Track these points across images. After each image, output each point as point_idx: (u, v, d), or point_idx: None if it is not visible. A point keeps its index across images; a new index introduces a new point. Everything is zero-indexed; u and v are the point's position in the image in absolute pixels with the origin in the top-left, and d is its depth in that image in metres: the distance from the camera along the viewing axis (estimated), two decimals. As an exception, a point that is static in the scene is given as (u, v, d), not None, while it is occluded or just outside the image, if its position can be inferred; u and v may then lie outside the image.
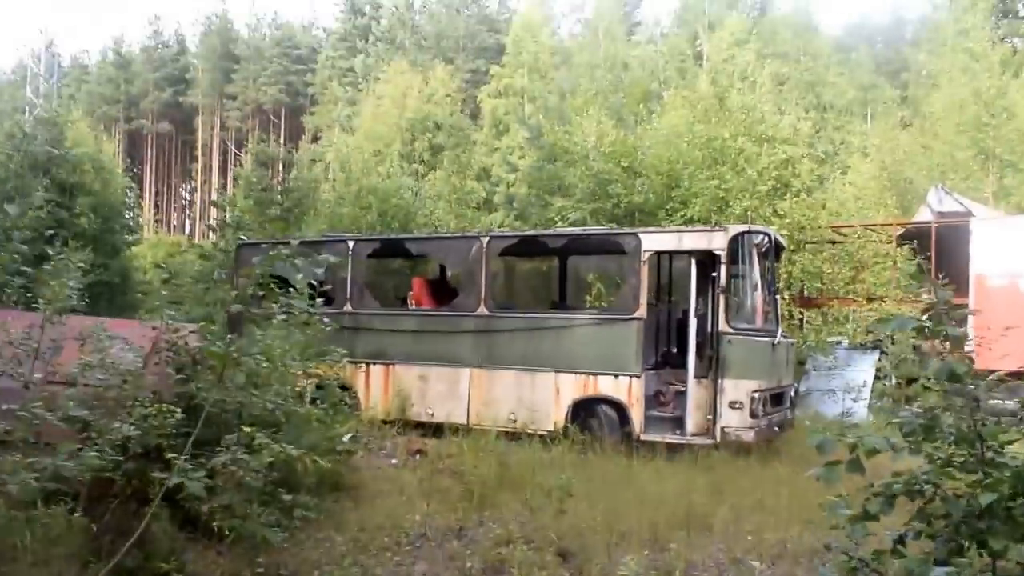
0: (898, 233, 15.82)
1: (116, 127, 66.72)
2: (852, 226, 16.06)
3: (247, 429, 5.08)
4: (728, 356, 9.91)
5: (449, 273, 13.93)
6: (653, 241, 10.49)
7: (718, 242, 10.11)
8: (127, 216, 29.08)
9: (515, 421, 11.01)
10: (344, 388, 11.33)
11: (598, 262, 14.62)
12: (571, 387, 10.73)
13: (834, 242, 16.00)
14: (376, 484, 7.76)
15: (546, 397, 10.87)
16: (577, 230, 13.18)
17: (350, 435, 9.53)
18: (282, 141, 63.59)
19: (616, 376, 10.44)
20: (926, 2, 54.35)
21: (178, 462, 4.35)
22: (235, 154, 62.01)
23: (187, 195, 74.33)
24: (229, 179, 60.11)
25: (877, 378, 14.98)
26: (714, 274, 10.17)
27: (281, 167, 50.28)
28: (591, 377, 10.62)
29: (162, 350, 5.83)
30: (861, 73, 43.81)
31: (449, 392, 11.59)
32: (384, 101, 41.41)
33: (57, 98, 39.99)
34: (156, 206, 69.18)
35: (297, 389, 7.40)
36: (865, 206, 19.75)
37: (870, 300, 15.13)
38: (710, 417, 10.08)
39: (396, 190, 21.68)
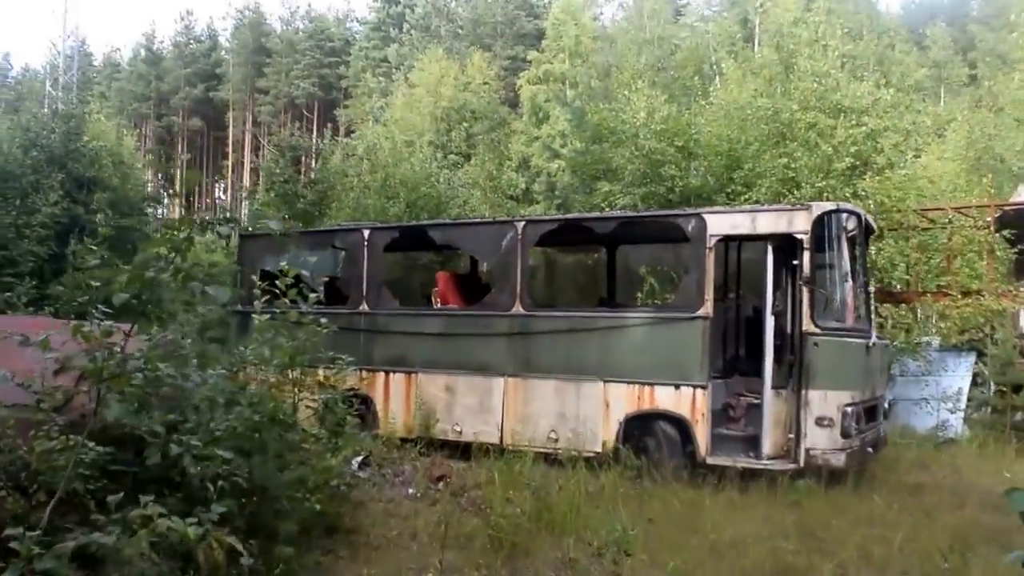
0: (996, 215, 13.99)
1: (147, 124, 66.79)
2: (942, 209, 14.25)
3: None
4: (814, 362, 8.34)
5: (481, 267, 12.55)
6: (721, 223, 8.95)
7: (800, 223, 8.54)
8: (148, 213, 28.26)
9: (556, 441, 9.58)
10: (362, 400, 10.10)
11: (654, 251, 13.06)
12: (623, 400, 9.25)
13: (922, 228, 14.23)
14: (383, 525, 6.39)
15: (593, 412, 9.42)
16: (629, 213, 11.53)
17: (360, 458, 8.21)
18: (314, 135, 63.01)
19: (677, 386, 8.93)
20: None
21: (24, 542, 3.00)
22: (266, 149, 61.60)
23: (219, 193, 74.21)
24: (261, 175, 59.64)
25: (975, 383, 13.21)
26: (795, 262, 8.60)
27: (312, 159, 49.47)
28: (647, 388, 9.13)
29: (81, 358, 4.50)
30: (932, 51, 41.38)
31: (480, 405, 10.21)
32: (418, 90, 40.21)
33: (76, 91, 39.50)
34: (187, 202, 69.09)
35: (286, 405, 6.07)
36: (952, 188, 17.84)
37: (965, 294, 13.35)
38: (791, 436, 8.53)
39: (426, 178, 20.35)
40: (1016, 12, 32.16)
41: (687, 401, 8.87)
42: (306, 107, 66.71)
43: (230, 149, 68.34)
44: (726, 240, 9.18)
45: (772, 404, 8.72)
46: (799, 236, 8.51)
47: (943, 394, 12.71)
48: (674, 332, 9.06)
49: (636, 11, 49.24)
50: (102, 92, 65.31)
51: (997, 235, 13.60)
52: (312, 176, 24.23)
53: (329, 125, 58.08)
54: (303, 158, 51.73)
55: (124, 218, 25.21)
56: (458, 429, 10.31)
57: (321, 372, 7.10)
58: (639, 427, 9.19)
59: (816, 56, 15.88)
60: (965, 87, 40.07)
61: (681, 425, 8.95)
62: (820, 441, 8.33)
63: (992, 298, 13.15)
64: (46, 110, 34.39)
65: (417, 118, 36.97)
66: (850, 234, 8.83)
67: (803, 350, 8.41)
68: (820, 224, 8.55)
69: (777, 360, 8.76)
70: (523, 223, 10.23)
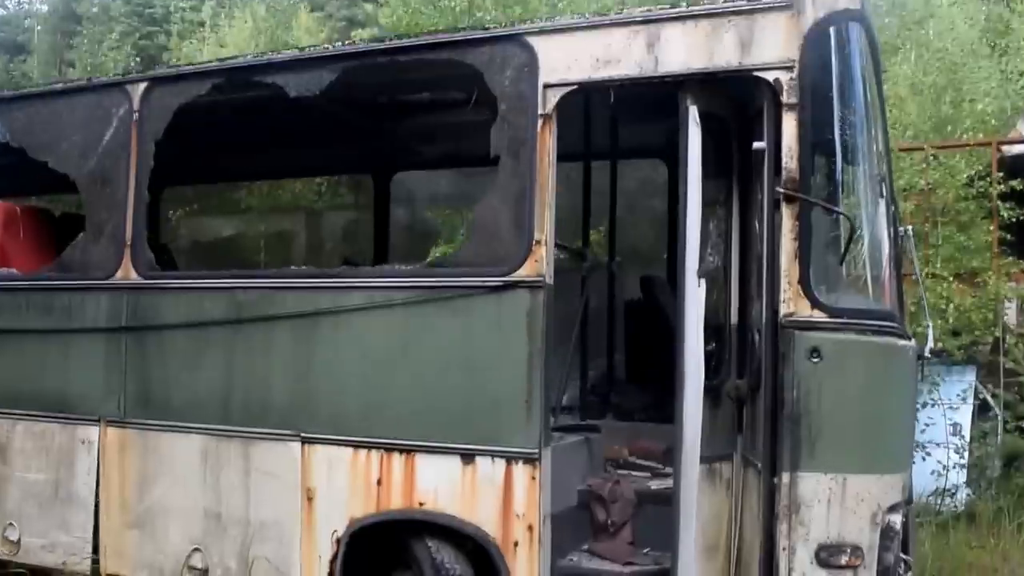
0: (997, 157, 9.47)
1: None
2: (919, 147, 9.61)
3: None
4: (812, 400, 3.18)
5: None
6: (570, 54, 3.66)
7: (776, 44, 3.37)
8: None
9: (204, 575, 4.09)
10: None
11: (424, 126, 6.38)
12: (344, 488, 3.90)
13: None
14: None
15: (281, 513, 4.04)
16: (366, 46, 4.99)
17: None
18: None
19: (467, 457, 3.64)
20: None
21: None
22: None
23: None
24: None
25: (983, 408, 8.59)
26: (757, 147, 3.44)
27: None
28: (397, 459, 3.76)
29: None
30: None
31: (53, 489, 4.58)
32: (227, 52, 33.55)
33: None
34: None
35: None
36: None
37: (958, 276, 8.71)
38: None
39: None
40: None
41: (491, 494, 3.56)
42: (129, 80, 58.15)
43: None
44: (583, 95, 3.87)
45: (706, 495, 3.52)
46: (774, 76, 3.34)
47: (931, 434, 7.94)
48: (460, 325, 3.72)
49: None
50: None
51: (1001, 187, 9.00)
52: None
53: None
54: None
55: None
56: (11, 538, 4.64)
57: None
58: (384, 554, 3.85)
59: None
60: None
61: (478, 555, 3.62)
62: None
63: (997, 281, 8.57)
64: None
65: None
66: (866, 70, 3.66)
67: (781, 367, 3.24)
68: (820, 44, 3.38)
69: (711, 388, 3.59)
70: (144, 85, 4.59)
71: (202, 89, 4.40)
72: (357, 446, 3.91)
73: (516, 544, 3.56)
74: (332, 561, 3.92)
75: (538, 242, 3.60)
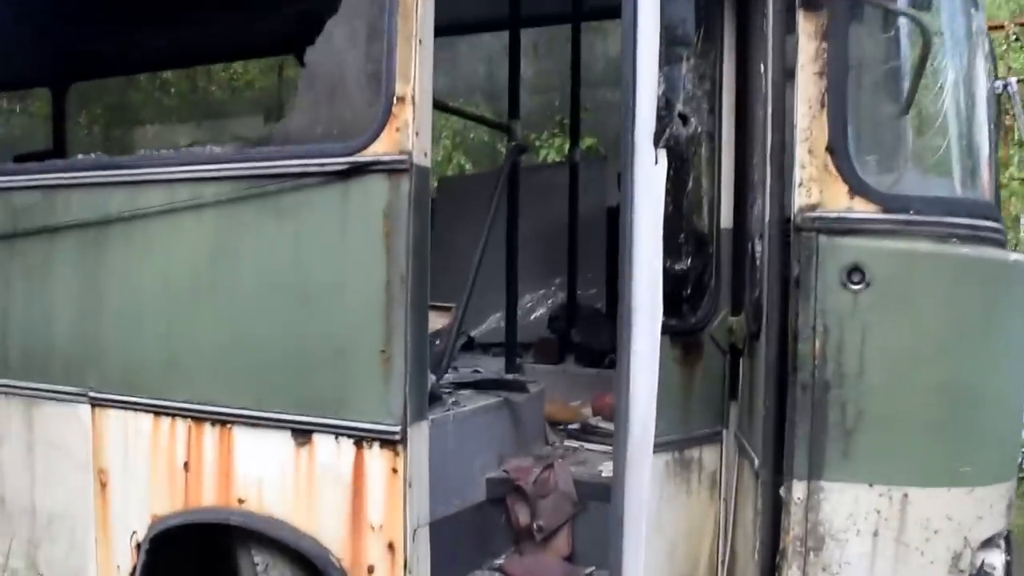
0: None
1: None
2: (1000, 25, 7.83)
3: None
4: (855, 348, 1.79)
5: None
6: None
7: None
8: None
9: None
10: None
11: None
12: (142, 471, 2.65)
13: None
14: None
15: (72, 503, 2.84)
16: None
17: None
18: None
19: (302, 434, 2.31)
20: None
21: None
22: None
23: None
24: None
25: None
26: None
27: None
28: (211, 432, 2.51)
29: None
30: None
31: None
32: None
33: None
34: None
35: None
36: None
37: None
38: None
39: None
40: None
41: (334, 493, 2.31)
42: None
43: None
44: None
45: (674, 497, 2.21)
46: None
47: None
48: (288, 233, 2.37)
49: None
50: None
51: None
52: None
53: None
54: None
55: None
56: None
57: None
58: (203, 562, 2.62)
59: None
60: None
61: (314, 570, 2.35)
62: None
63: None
64: None
65: None
66: None
67: (796, 299, 1.84)
68: None
69: (686, 332, 2.22)
70: None
71: None
72: (158, 412, 2.62)
73: (371, 571, 2.27)
74: (132, 574, 2.68)
75: (401, 100, 2.19)
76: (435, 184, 6.24)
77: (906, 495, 1.83)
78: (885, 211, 1.84)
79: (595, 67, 5.57)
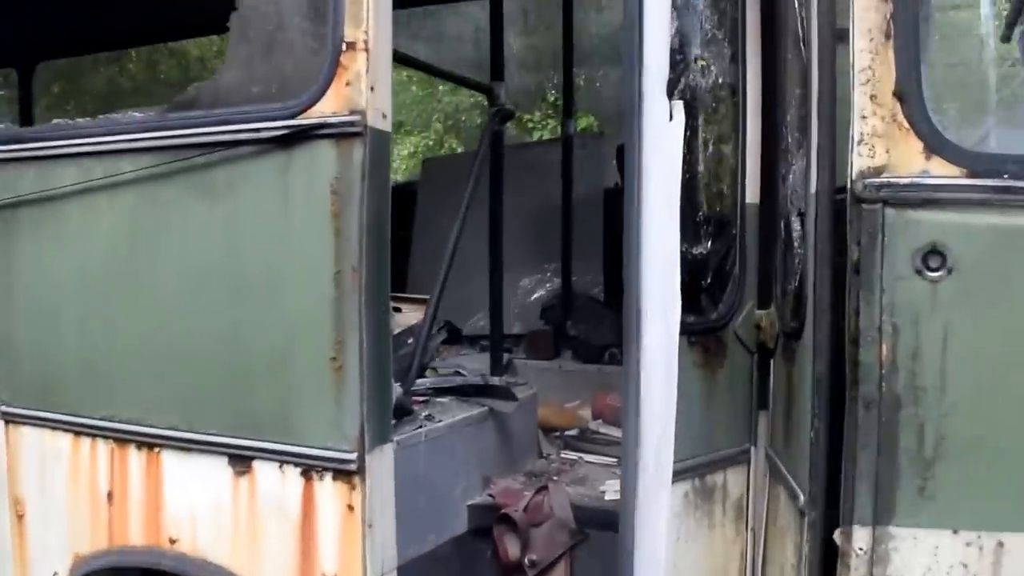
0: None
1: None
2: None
3: None
4: (933, 354, 1.34)
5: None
6: None
7: None
8: None
9: None
10: None
11: None
12: (61, 500, 2.26)
13: None
14: None
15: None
16: None
17: None
18: None
19: (241, 461, 1.92)
20: None
21: None
22: None
23: None
24: None
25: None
26: None
27: None
28: (137, 456, 2.11)
29: None
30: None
31: None
32: None
33: None
34: None
35: None
36: None
37: None
38: None
39: None
40: None
41: (280, 533, 1.86)
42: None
43: None
44: None
45: (694, 532, 1.80)
46: None
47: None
48: (221, 212, 1.94)
49: None
50: None
51: None
52: None
53: None
54: None
55: None
56: None
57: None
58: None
59: None
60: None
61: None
62: None
63: None
64: None
65: None
66: None
67: (853, 290, 1.41)
68: None
69: (704, 331, 1.78)
70: None
71: None
72: (77, 432, 2.20)
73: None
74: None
75: (351, 46, 1.75)
76: (420, 165, 5.80)
77: (1001, 543, 1.41)
78: (971, 175, 1.42)
79: (590, 39, 5.13)
